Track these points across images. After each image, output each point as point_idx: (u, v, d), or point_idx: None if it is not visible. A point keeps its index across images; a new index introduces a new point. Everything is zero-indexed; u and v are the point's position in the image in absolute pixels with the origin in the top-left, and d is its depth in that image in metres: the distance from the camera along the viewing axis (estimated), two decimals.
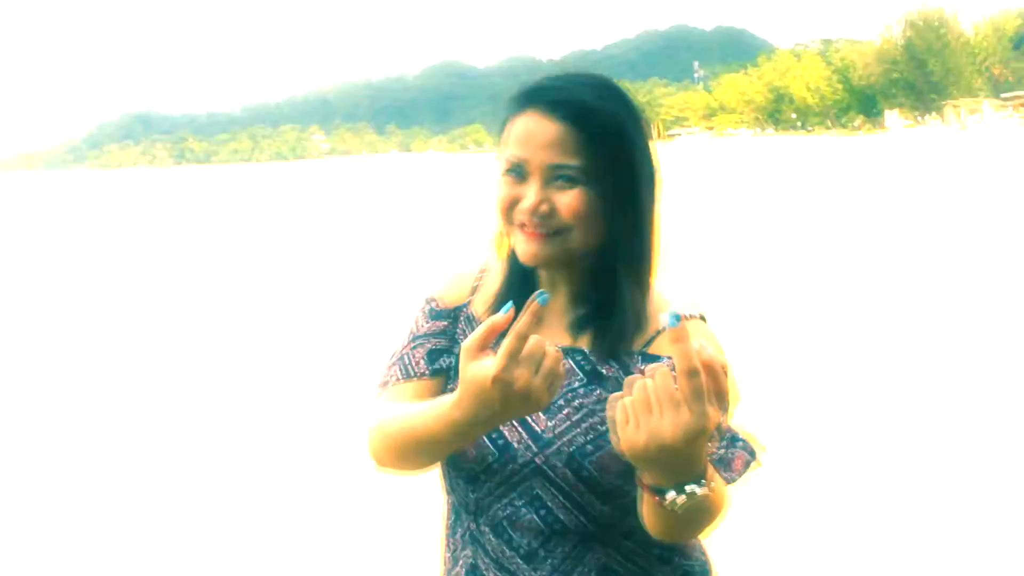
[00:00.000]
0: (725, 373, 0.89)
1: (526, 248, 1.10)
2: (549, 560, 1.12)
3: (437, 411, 0.99)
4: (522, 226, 1.10)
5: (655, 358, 1.10)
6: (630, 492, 1.05)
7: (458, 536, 1.21)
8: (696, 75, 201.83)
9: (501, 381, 0.89)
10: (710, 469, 0.93)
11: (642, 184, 1.11)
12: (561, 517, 1.11)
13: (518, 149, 1.08)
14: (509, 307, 0.92)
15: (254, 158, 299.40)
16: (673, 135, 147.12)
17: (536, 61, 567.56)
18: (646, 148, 1.12)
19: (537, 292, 0.90)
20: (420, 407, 1.05)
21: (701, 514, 0.96)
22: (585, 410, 1.11)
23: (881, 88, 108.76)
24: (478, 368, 0.91)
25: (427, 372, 1.20)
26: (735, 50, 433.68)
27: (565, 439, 1.09)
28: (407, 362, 1.21)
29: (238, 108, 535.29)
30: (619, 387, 0.93)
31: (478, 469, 1.14)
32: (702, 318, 1.16)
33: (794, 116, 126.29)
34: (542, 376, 0.90)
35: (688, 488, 0.89)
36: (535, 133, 1.07)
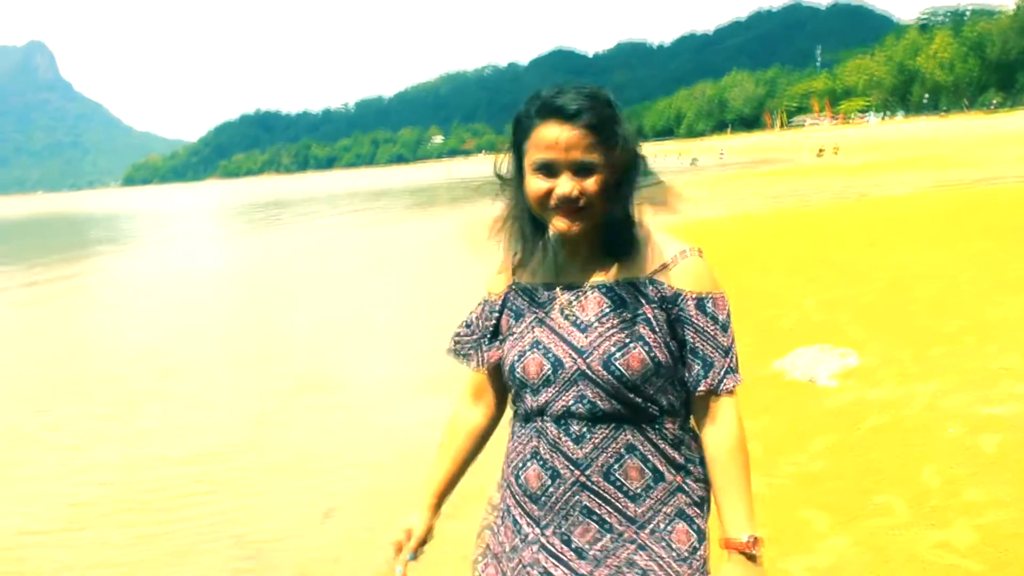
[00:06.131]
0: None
1: (564, 225, 1.47)
2: (591, 439, 1.51)
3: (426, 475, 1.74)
4: (556, 208, 1.46)
5: (660, 283, 1.51)
6: (650, 386, 1.49)
7: (523, 432, 1.60)
8: (819, 61, 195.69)
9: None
10: None
11: (635, 163, 1.51)
12: (600, 406, 1.50)
13: (548, 152, 1.44)
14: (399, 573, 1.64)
15: (375, 161, 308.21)
16: (796, 125, 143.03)
17: (647, 46, 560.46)
18: (632, 136, 1.50)
19: (409, 555, 1.64)
20: (441, 456, 1.74)
21: None
22: (611, 326, 1.50)
23: (1022, 62, 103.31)
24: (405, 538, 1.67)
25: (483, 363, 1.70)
26: (855, 27, 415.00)
27: (599, 348, 1.49)
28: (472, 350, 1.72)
29: (352, 104, 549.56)
30: (637, 305, 1.48)
31: (539, 383, 1.54)
32: (699, 253, 1.54)
33: (926, 98, 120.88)
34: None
35: None
36: (561, 139, 1.42)
